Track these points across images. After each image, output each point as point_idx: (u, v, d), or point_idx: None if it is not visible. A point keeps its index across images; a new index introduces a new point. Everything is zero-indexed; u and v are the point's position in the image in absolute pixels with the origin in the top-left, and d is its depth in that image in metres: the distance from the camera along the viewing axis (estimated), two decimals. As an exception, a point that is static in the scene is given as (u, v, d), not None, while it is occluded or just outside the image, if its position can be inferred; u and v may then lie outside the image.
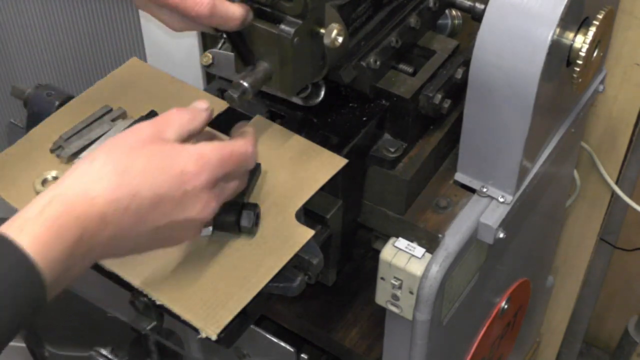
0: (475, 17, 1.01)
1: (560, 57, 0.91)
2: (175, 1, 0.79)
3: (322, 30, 0.84)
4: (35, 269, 0.64)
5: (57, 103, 1.04)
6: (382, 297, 1.02)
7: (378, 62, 0.96)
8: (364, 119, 0.99)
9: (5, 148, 0.97)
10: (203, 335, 0.80)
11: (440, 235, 0.98)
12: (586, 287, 1.85)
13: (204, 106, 0.81)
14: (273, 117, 1.02)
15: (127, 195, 0.70)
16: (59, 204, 0.67)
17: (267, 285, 0.84)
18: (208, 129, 0.87)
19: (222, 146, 0.78)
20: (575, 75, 0.94)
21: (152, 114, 0.99)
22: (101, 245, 0.70)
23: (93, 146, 0.96)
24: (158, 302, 0.83)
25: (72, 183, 0.70)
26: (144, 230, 0.73)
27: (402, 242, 0.99)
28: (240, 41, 0.85)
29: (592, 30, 0.91)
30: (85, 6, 1.47)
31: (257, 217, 0.88)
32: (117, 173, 0.70)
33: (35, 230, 0.65)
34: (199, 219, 0.77)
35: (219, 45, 1.01)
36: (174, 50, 1.34)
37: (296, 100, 0.98)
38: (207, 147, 0.76)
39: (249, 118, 1.01)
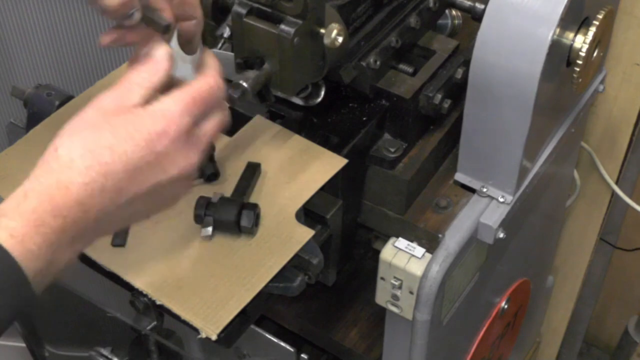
0: (475, 17, 1.01)
1: (560, 57, 0.91)
2: None
3: (322, 30, 0.84)
4: (16, 263, 0.63)
5: (57, 103, 1.04)
6: (382, 297, 1.02)
7: (378, 62, 0.96)
8: (364, 119, 0.99)
9: (5, 148, 0.97)
10: (203, 335, 0.80)
11: (440, 235, 0.98)
12: (586, 287, 1.85)
13: (164, 54, 0.75)
14: (273, 117, 1.02)
15: (99, 175, 0.68)
16: (34, 197, 0.66)
17: (267, 285, 0.84)
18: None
19: (182, 94, 0.73)
20: (575, 75, 0.94)
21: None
22: (89, 229, 0.69)
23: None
24: (158, 302, 0.83)
25: (42, 174, 0.68)
26: (129, 201, 0.71)
27: (402, 242, 0.99)
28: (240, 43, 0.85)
29: (592, 30, 0.91)
30: (85, 6, 1.47)
31: (257, 217, 0.88)
32: (84, 155, 0.68)
33: (10, 224, 0.64)
34: (184, 174, 0.73)
35: (219, 45, 1.01)
36: (173, 50, 1.34)
37: (296, 100, 0.98)
38: (168, 101, 0.72)
39: (249, 118, 1.01)
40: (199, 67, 0.78)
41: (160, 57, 0.75)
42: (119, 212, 0.71)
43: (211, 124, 0.76)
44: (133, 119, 0.70)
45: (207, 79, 0.76)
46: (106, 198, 0.69)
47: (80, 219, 0.68)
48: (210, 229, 0.87)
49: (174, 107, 0.72)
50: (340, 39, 0.84)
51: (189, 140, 0.73)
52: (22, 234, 0.64)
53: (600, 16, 0.92)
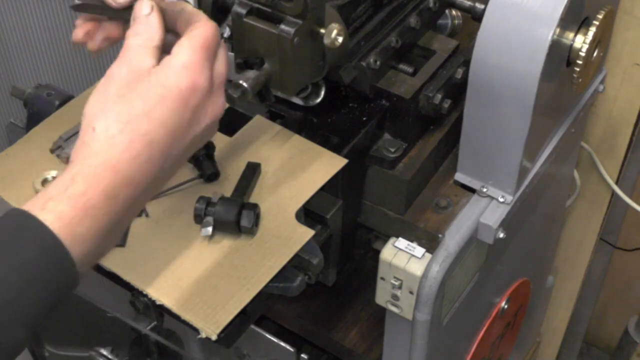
0: (475, 17, 1.01)
1: (560, 57, 0.91)
2: None
3: (322, 30, 0.84)
4: (62, 246, 0.63)
5: (57, 103, 1.04)
6: (382, 297, 1.02)
7: (378, 62, 0.96)
8: (364, 119, 0.99)
9: (5, 148, 0.97)
10: (203, 335, 0.80)
11: (440, 235, 0.98)
12: (586, 287, 1.85)
13: (146, 10, 0.73)
14: (273, 117, 1.02)
15: (143, 146, 0.67)
16: (82, 180, 0.65)
17: (267, 285, 0.84)
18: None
19: (194, 43, 0.71)
20: (575, 75, 0.94)
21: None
22: (140, 198, 0.69)
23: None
24: (158, 302, 0.83)
25: (87, 157, 0.66)
26: (173, 163, 0.71)
27: (402, 242, 0.99)
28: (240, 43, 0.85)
29: (592, 30, 0.91)
30: (85, 6, 1.47)
31: (257, 217, 0.88)
32: (123, 129, 0.67)
33: (57, 207, 0.63)
34: (215, 120, 0.74)
35: (219, 45, 1.01)
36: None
37: (296, 100, 0.98)
38: (184, 54, 0.71)
39: (249, 118, 1.01)
40: (187, 17, 0.76)
41: (147, 12, 0.73)
42: (165, 174, 0.71)
43: (222, 63, 0.75)
44: (157, 80, 0.69)
45: (205, 23, 0.74)
46: (154, 166, 0.68)
47: (132, 195, 0.67)
48: (210, 229, 0.87)
49: (193, 58, 0.70)
50: (340, 39, 0.84)
51: (213, 86, 0.73)
52: (70, 217, 0.63)
53: (600, 16, 0.92)
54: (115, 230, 0.68)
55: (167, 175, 0.72)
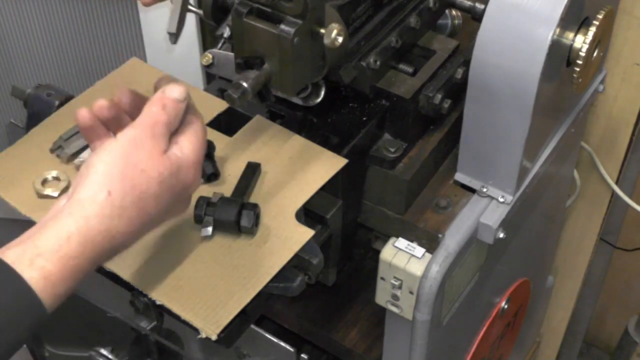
0: (475, 17, 1.01)
1: (560, 57, 0.91)
2: None
3: (322, 30, 0.84)
4: (40, 305, 0.65)
5: (57, 103, 1.04)
6: (382, 297, 1.02)
7: (378, 62, 0.96)
8: (364, 119, 0.99)
9: (5, 148, 0.97)
10: (203, 335, 0.80)
11: (440, 235, 0.98)
12: (586, 287, 1.85)
13: (181, 97, 0.77)
14: (273, 117, 1.02)
15: (142, 222, 0.72)
16: (77, 243, 0.67)
17: (267, 285, 0.84)
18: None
19: (197, 138, 0.77)
20: (575, 75, 0.94)
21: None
22: (108, 258, 0.73)
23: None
24: (158, 302, 0.83)
25: (92, 218, 0.68)
26: (148, 229, 0.75)
27: (402, 242, 0.99)
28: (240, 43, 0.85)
29: (592, 30, 0.91)
30: (85, 6, 1.47)
31: (257, 217, 0.88)
32: (135, 204, 0.71)
33: (46, 267, 0.65)
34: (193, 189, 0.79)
35: (219, 45, 1.01)
36: (174, 50, 1.34)
37: (296, 100, 0.98)
38: (192, 150, 0.76)
39: (249, 118, 1.01)
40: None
41: (181, 100, 0.77)
42: (136, 235, 0.74)
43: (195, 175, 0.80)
44: (174, 169, 0.74)
45: (201, 127, 0.79)
46: (134, 234, 0.73)
47: (110, 251, 0.70)
48: (210, 229, 0.87)
49: (200, 155, 0.77)
50: (340, 39, 0.84)
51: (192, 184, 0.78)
52: (56, 278, 0.65)
53: (600, 16, 0.92)
54: (83, 279, 0.70)
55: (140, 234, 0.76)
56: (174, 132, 0.76)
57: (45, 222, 0.68)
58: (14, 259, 0.65)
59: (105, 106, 0.77)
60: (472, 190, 1.02)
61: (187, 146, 0.76)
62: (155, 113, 0.74)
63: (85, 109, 0.77)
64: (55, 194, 0.91)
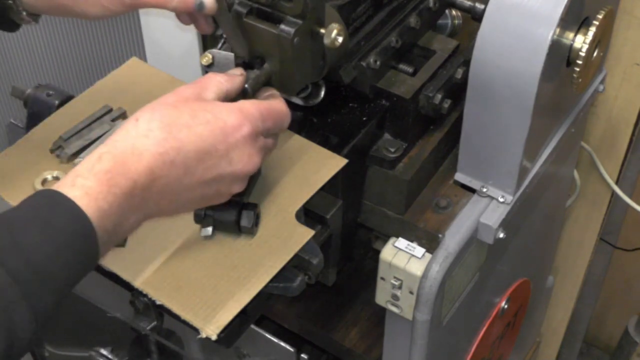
0: (475, 17, 1.01)
1: (560, 57, 0.91)
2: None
3: (322, 30, 0.84)
4: (88, 220, 0.67)
5: (57, 103, 1.04)
6: (382, 297, 1.02)
7: (378, 62, 0.96)
8: (364, 119, 0.99)
9: (5, 148, 0.97)
10: (203, 335, 0.80)
11: (440, 235, 0.98)
12: (586, 287, 1.85)
13: (239, 72, 0.83)
14: (273, 117, 1.01)
15: (173, 148, 0.72)
16: (108, 159, 0.70)
17: (267, 285, 0.84)
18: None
19: (260, 102, 0.80)
20: (575, 75, 0.94)
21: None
22: (151, 200, 0.73)
23: (92, 146, 0.96)
24: (158, 302, 0.83)
25: (119, 140, 0.72)
26: (192, 184, 0.75)
27: (402, 242, 0.99)
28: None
29: (592, 30, 0.91)
30: (85, 6, 1.46)
31: (257, 217, 0.88)
32: (162, 127, 0.73)
33: (86, 184, 0.69)
34: (244, 171, 0.78)
35: (219, 45, 1.01)
36: (174, 50, 1.34)
37: (296, 100, 0.98)
38: (247, 103, 0.79)
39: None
40: (268, 94, 0.85)
41: (237, 73, 0.82)
42: (179, 190, 0.75)
43: (272, 141, 0.83)
44: (212, 107, 0.76)
45: (281, 102, 0.83)
46: (173, 172, 0.73)
47: (147, 186, 0.72)
48: (210, 229, 0.87)
49: (251, 109, 0.78)
50: (340, 39, 0.84)
51: (256, 142, 0.79)
52: (96, 192, 0.68)
53: (600, 16, 0.92)
54: (129, 217, 0.72)
55: (182, 197, 0.76)
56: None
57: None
58: (58, 184, 0.69)
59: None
60: (472, 190, 1.02)
61: (243, 101, 0.79)
62: (210, 75, 0.80)
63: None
64: (55, 194, 0.91)
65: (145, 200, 0.72)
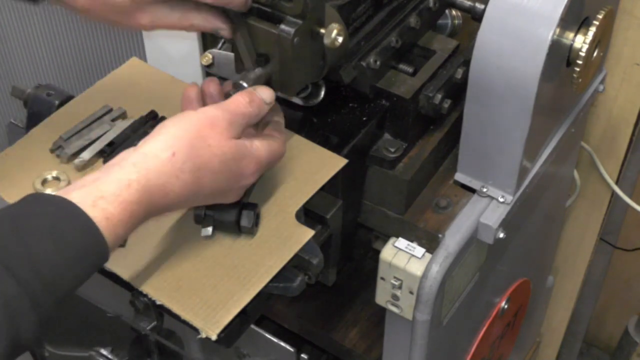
0: (475, 17, 1.01)
1: (560, 57, 0.91)
2: None
3: (322, 30, 0.84)
4: (105, 244, 0.70)
5: (57, 103, 1.04)
6: (382, 297, 1.02)
7: (378, 62, 0.96)
8: (364, 119, 0.99)
9: (5, 148, 0.97)
10: (203, 335, 0.80)
11: (440, 235, 0.98)
12: (586, 287, 1.85)
13: (269, 100, 0.84)
14: (273, 117, 1.01)
15: (193, 192, 0.77)
16: (137, 190, 0.72)
17: (267, 285, 0.84)
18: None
19: (273, 149, 0.83)
20: (575, 75, 0.94)
21: (152, 114, 0.99)
22: (158, 213, 0.77)
23: (92, 147, 0.96)
24: (158, 302, 0.83)
25: (152, 169, 0.73)
26: (196, 202, 0.82)
27: (402, 242, 0.99)
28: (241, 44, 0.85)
29: (592, 30, 0.91)
30: (85, 6, 1.46)
31: (257, 217, 0.88)
32: (193, 172, 0.75)
33: (108, 209, 0.70)
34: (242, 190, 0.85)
35: (219, 45, 1.01)
36: (174, 50, 1.34)
37: (296, 100, 0.98)
38: (264, 151, 0.82)
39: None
40: (276, 125, 0.88)
41: (267, 101, 0.83)
42: (185, 204, 0.81)
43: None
44: (237, 153, 0.79)
45: (283, 147, 0.86)
46: (186, 202, 0.79)
47: (162, 207, 0.76)
48: (210, 229, 0.87)
49: (267, 157, 0.82)
50: (340, 39, 0.84)
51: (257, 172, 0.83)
52: (117, 220, 0.71)
53: (600, 16, 0.92)
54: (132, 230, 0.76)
55: (187, 205, 0.84)
56: (253, 134, 0.84)
57: (109, 169, 0.73)
58: (78, 199, 0.70)
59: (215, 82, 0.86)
60: (472, 190, 1.02)
61: (259, 146, 0.82)
62: (241, 102, 0.81)
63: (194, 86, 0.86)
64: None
65: (153, 216, 0.77)
